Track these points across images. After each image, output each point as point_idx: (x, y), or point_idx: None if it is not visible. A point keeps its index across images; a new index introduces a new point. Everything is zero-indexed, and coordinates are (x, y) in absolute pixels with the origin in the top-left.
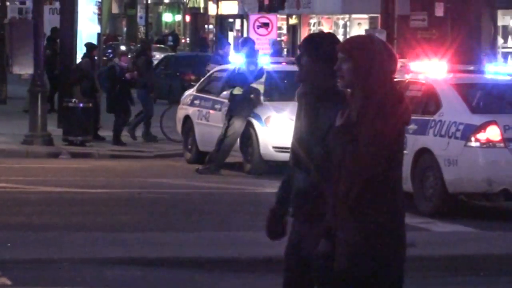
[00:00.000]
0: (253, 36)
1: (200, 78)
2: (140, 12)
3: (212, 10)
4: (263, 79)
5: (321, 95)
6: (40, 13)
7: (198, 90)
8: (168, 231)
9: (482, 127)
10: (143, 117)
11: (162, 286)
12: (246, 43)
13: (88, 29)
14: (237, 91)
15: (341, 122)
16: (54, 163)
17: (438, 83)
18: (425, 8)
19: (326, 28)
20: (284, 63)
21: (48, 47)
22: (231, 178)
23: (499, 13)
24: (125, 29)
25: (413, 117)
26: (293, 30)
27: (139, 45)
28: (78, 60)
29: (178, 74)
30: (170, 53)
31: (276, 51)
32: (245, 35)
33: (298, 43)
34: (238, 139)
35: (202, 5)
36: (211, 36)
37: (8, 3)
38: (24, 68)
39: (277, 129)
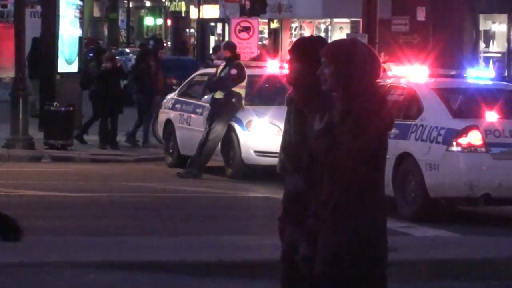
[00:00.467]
0: (234, 40)
1: (182, 82)
2: (121, 16)
3: (193, 14)
4: (244, 84)
5: (310, 98)
6: (22, 17)
7: (180, 94)
8: (149, 235)
9: (464, 131)
10: (137, 122)
11: None
12: (227, 47)
13: (69, 32)
14: (219, 95)
15: (321, 126)
16: (36, 166)
17: (419, 87)
18: (406, 12)
19: (307, 32)
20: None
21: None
22: (212, 182)
23: (481, 17)
24: (106, 32)
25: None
26: (274, 34)
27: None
28: (60, 64)
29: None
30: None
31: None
32: (226, 39)
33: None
34: (220, 143)
35: (183, 9)
36: (192, 40)
37: None
38: (5, 72)
39: (258, 133)
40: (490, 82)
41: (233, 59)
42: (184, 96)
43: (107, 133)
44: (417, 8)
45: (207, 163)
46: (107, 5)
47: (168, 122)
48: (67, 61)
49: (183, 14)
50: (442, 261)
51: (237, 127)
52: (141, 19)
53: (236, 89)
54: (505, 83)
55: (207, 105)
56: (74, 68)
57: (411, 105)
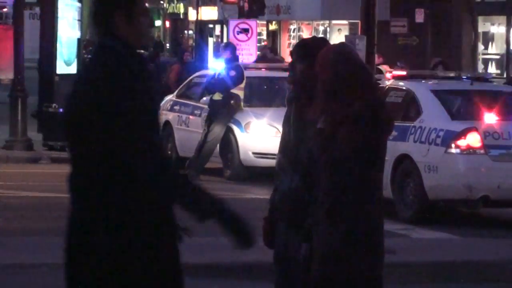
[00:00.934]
0: (233, 41)
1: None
2: None
3: (192, 15)
4: (243, 85)
5: (310, 98)
6: (20, 18)
7: (178, 96)
8: None
9: (463, 133)
10: None
11: None
12: (227, 48)
13: (68, 34)
14: (217, 96)
15: (321, 125)
16: (34, 168)
17: (418, 89)
18: (405, 14)
19: (306, 34)
20: (263, 69)
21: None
22: (211, 184)
23: (480, 19)
24: None
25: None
26: (273, 36)
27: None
28: (59, 65)
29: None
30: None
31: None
32: (225, 41)
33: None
34: (218, 145)
35: (182, 10)
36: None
37: None
38: (4, 73)
39: (257, 135)
40: (490, 84)
41: (232, 60)
42: (182, 97)
43: None
44: (415, 10)
45: (205, 165)
46: None
47: (167, 123)
48: (66, 62)
49: (181, 16)
50: (441, 263)
51: (235, 128)
52: None
53: (234, 90)
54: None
55: (206, 106)
56: (73, 69)
57: (410, 107)
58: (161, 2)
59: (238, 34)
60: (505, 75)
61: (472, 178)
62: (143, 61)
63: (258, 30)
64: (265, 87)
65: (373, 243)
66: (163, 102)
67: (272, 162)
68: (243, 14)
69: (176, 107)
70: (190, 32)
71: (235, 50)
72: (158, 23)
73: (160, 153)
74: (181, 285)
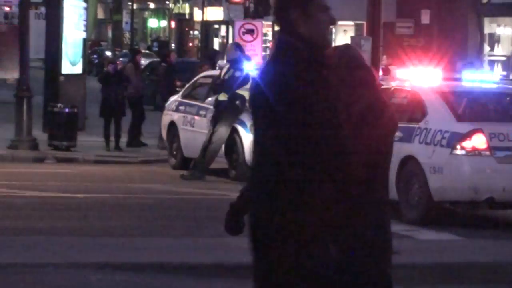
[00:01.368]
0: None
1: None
2: (125, 18)
3: (197, 16)
4: (248, 86)
5: None
6: (26, 18)
7: (183, 96)
8: (153, 237)
9: (468, 135)
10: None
11: None
12: (237, 48)
13: (73, 34)
14: (223, 97)
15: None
16: (39, 167)
17: (423, 90)
18: (411, 15)
19: None
20: None
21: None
22: (216, 184)
23: (486, 20)
24: (110, 34)
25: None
26: None
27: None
28: (64, 65)
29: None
30: (155, 59)
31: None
32: (230, 41)
33: None
34: (223, 145)
35: (187, 11)
36: (196, 42)
37: None
38: (9, 73)
39: None
40: (495, 85)
41: (238, 61)
42: (187, 98)
43: (110, 136)
44: (421, 11)
45: (210, 165)
46: (111, 7)
47: (172, 124)
48: (71, 62)
49: (187, 16)
50: (446, 265)
51: (240, 129)
52: (145, 21)
53: (240, 91)
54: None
55: (211, 107)
56: (78, 69)
57: (415, 108)
58: (167, 2)
59: (243, 34)
60: (511, 77)
61: (477, 180)
62: (322, 60)
63: (264, 31)
64: None
65: (380, 242)
66: (168, 103)
67: None
68: (248, 15)
69: (182, 108)
70: (196, 32)
71: (243, 51)
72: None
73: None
74: None
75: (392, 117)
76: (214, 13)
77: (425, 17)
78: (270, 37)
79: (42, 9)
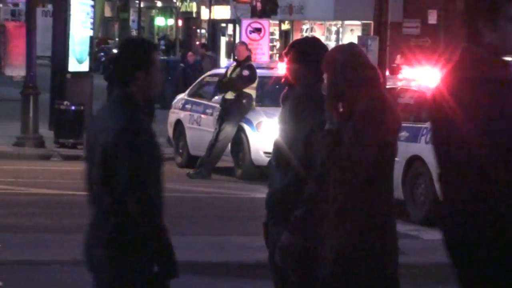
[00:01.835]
0: (245, 41)
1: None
2: (132, 16)
3: (204, 14)
4: (255, 84)
5: (307, 98)
6: (33, 16)
7: (190, 95)
8: None
9: None
10: None
11: None
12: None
13: (80, 32)
14: (230, 95)
15: (328, 126)
16: (46, 165)
17: (430, 90)
18: (418, 15)
19: (318, 34)
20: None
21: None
22: (222, 183)
23: None
24: (117, 32)
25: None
26: (285, 35)
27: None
28: (71, 63)
29: (169, 78)
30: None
31: None
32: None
33: None
34: (229, 144)
35: (194, 9)
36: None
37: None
38: (16, 70)
39: (268, 134)
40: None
41: (245, 60)
42: (194, 96)
43: None
44: (428, 11)
45: (216, 164)
46: (118, 5)
47: (178, 122)
48: (78, 60)
49: (194, 15)
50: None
51: (247, 128)
52: (152, 19)
53: (247, 90)
54: None
55: (218, 105)
56: (85, 67)
57: (422, 108)
58: (174, 0)
59: (250, 33)
60: None
61: None
62: (507, 69)
63: (271, 30)
64: (277, 86)
65: (384, 242)
66: (175, 101)
67: None
68: (255, 14)
69: (188, 106)
70: (203, 31)
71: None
72: (170, 21)
73: None
74: None
75: (394, 116)
76: (221, 12)
77: (432, 17)
78: (277, 36)
79: (49, 7)
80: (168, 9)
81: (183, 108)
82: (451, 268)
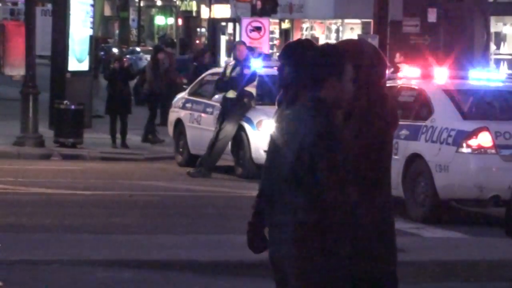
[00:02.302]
0: (245, 40)
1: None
2: (132, 15)
3: (204, 13)
4: (255, 83)
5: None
6: (32, 15)
7: (190, 93)
8: (159, 234)
9: (474, 133)
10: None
11: None
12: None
13: (80, 31)
14: (231, 94)
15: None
16: (45, 164)
17: (430, 88)
18: (418, 14)
19: (318, 32)
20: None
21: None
22: (222, 182)
23: (492, 19)
24: (117, 31)
25: (404, 123)
26: (285, 34)
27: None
28: (71, 62)
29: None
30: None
31: None
32: (237, 39)
33: None
34: (230, 143)
35: (194, 8)
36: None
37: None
38: (15, 69)
39: (268, 133)
40: (501, 84)
41: (245, 59)
42: (194, 95)
43: (116, 133)
44: (428, 9)
45: (217, 163)
46: (118, 4)
47: (179, 121)
48: (78, 59)
49: (194, 14)
50: (452, 262)
51: (247, 126)
52: (152, 18)
53: (248, 88)
54: None
55: (218, 104)
56: (84, 66)
57: (422, 106)
58: None
59: (250, 32)
60: None
61: (483, 178)
62: None
63: (271, 29)
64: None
65: (383, 240)
66: (175, 100)
67: None
68: (255, 12)
69: (188, 105)
70: (203, 30)
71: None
72: (170, 20)
73: None
74: None
75: (392, 112)
76: (221, 11)
77: (432, 16)
78: (277, 35)
79: (49, 6)
80: (168, 8)
81: (183, 107)
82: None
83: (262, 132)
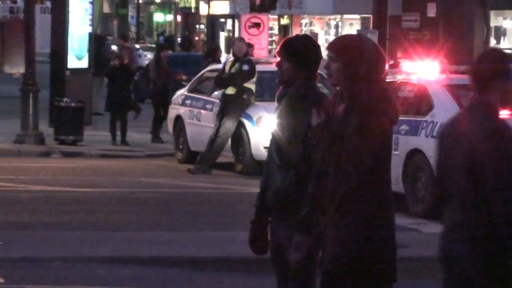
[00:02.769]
0: (244, 36)
1: (191, 78)
2: (131, 12)
3: (203, 10)
4: (254, 79)
5: (301, 96)
6: (32, 12)
7: (190, 90)
8: (159, 231)
9: None
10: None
11: (153, 285)
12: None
13: (79, 28)
14: (231, 91)
15: (319, 120)
16: (46, 162)
17: (430, 84)
18: (417, 9)
19: (317, 28)
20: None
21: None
22: (222, 178)
23: (492, 13)
24: (116, 28)
25: (405, 118)
26: (284, 30)
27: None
28: (70, 59)
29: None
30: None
31: None
32: (236, 35)
33: None
34: (229, 139)
35: (193, 4)
36: (202, 36)
37: None
38: (15, 67)
39: (268, 129)
40: None
41: (244, 55)
42: (194, 92)
43: (116, 130)
44: (427, 4)
45: (217, 159)
46: (117, 1)
47: (178, 118)
48: (77, 57)
49: (193, 10)
50: None
51: (247, 123)
52: (151, 15)
53: (247, 85)
54: None
55: (217, 101)
56: (84, 64)
57: (422, 101)
58: None
59: (249, 28)
60: None
61: None
62: None
63: (270, 25)
64: (277, 81)
65: (384, 236)
66: (174, 97)
67: None
68: (254, 8)
69: (188, 102)
70: (202, 26)
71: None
72: (169, 17)
73: None
74: None
75: (393, 107)
76: (220, 7)
77: (431, 10)
78: (276, 31)
79: (48, 3)
80: (166, 5)
81: (183, 104)
82: None
83: (262, 128)
